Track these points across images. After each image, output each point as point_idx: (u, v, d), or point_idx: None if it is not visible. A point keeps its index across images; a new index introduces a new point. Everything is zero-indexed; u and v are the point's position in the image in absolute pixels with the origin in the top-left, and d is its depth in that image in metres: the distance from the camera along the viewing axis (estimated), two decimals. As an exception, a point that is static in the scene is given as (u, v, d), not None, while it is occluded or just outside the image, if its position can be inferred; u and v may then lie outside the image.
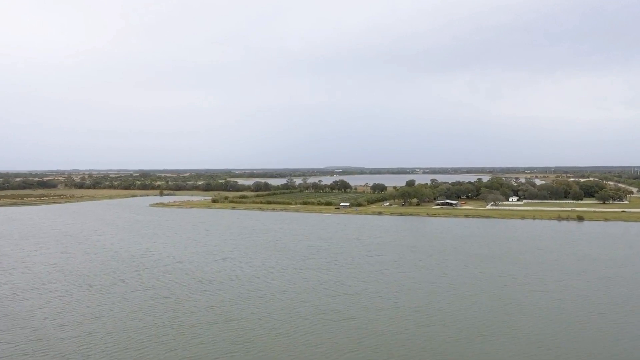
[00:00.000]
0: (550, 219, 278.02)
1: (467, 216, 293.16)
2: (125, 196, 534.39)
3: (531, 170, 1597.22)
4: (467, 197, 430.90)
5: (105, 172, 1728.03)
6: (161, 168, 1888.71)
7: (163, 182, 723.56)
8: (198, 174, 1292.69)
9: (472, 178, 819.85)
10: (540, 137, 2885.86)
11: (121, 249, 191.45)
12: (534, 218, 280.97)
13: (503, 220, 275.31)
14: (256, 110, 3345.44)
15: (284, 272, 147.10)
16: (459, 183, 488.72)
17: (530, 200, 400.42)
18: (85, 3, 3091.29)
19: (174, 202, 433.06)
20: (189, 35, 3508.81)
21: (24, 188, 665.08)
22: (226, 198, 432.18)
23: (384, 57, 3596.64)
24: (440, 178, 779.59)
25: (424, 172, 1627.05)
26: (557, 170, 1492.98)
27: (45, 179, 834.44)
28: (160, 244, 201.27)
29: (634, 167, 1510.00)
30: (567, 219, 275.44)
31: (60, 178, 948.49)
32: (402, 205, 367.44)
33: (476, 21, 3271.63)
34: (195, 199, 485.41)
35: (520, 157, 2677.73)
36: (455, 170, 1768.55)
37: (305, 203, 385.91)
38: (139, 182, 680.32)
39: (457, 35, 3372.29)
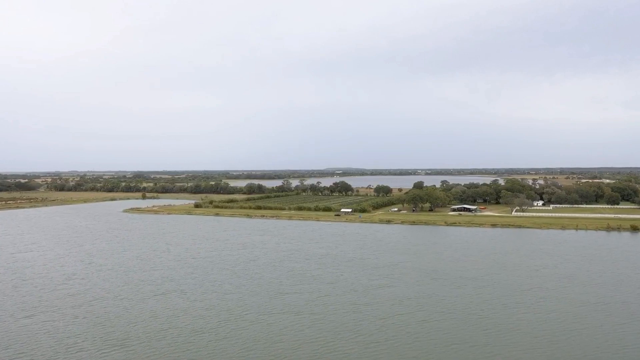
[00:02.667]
0: (597, 229, 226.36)
1: (494, 226, 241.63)
2: (104, 200, 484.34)
3: (536, 171, 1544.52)
4: (485, 201, 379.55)
5: (102, 173, 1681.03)
6: (160, 170, 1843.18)
7: (151, 184, 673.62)
8: (194, 175, 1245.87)
9: (478, 179, 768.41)
10: (539, 138, 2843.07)
11: (38, 273, 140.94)
12: (577, 228, 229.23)
13: (540, 232, 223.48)
14: (257, 111, 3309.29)
15: (244, 322, 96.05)
16: (473, 185, 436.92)
17: (558, 205, 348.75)
18: (85, 4, 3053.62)
19: (153, 206, 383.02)
20: (189, 37, 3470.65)
21: (0, 190, 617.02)
22: (211, 202, 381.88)
23: (384, 58, 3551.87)
24: (437, 179, 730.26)
25: (426, 173, 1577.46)
26: (563, 171, 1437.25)
27: (31, 180, 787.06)
28: (95, 267, 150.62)
29: (636, 167, 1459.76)
30: (619, 229, 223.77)
31: (48, 179, 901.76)
32: (413, 211, 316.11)
33: (476, 23, 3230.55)
34: (179, 202, 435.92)
35: (519, 158, 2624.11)
36: (458, 172, 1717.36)
37: (300, 208, 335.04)
38: (124, 184, 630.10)
39: (457, 36, 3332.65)
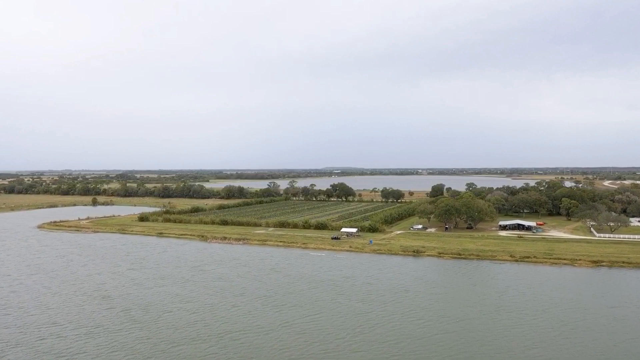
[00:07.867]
0: None
1: (596, 264, 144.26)
2: (42, 206, 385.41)
3: (544, 171, 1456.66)
4: (534, 211, 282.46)
5: (86, 172, 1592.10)
6: (155, 169, 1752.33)
7: (116, 186, 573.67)
8: (180, 175, 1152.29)
9: (484, 180, 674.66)
10: (539, 139, 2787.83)
11: None
12: None
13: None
14: (256, 111, 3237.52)
15: None
16: (511, 190, 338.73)
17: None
18: (83, 6, 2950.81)
19: (87, 218, 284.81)
20: (189, 37, 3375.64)
21: None
22: (163, 213, 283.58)
23: (385, 58, 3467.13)
24: (446, 180, 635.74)
25: (429, 173, 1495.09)
26: (574, 171, 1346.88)
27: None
28: None
29: (636, 167, 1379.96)
30: None
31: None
32: (446, 229, 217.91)
33: (476, 24, 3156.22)
34: (132, 210, 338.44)
35: (519, 158, 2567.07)
36: (460, 171, 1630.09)
37: (282, 224, 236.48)
38: (80, 186, 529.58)
39: (457, 37, 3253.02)
